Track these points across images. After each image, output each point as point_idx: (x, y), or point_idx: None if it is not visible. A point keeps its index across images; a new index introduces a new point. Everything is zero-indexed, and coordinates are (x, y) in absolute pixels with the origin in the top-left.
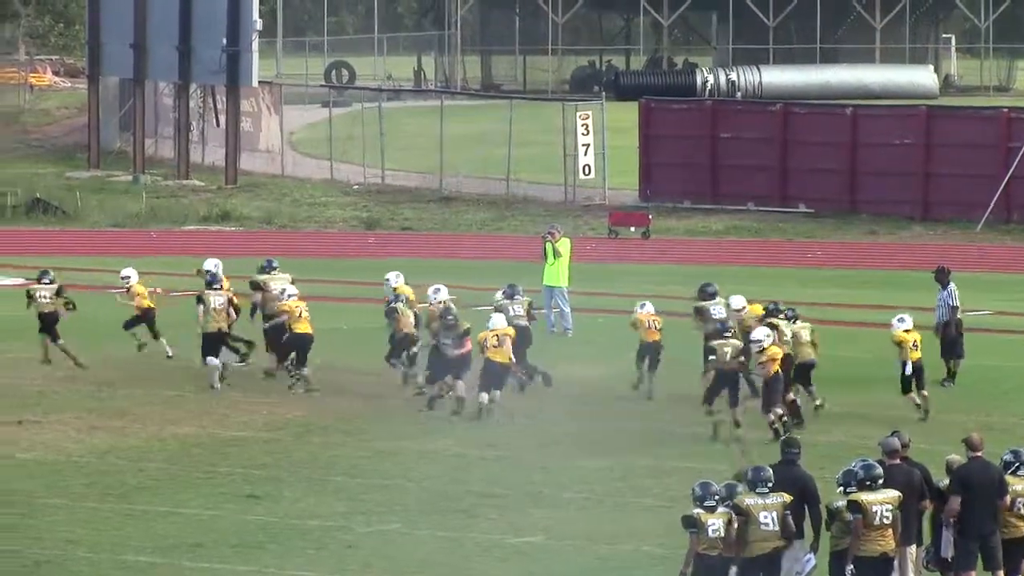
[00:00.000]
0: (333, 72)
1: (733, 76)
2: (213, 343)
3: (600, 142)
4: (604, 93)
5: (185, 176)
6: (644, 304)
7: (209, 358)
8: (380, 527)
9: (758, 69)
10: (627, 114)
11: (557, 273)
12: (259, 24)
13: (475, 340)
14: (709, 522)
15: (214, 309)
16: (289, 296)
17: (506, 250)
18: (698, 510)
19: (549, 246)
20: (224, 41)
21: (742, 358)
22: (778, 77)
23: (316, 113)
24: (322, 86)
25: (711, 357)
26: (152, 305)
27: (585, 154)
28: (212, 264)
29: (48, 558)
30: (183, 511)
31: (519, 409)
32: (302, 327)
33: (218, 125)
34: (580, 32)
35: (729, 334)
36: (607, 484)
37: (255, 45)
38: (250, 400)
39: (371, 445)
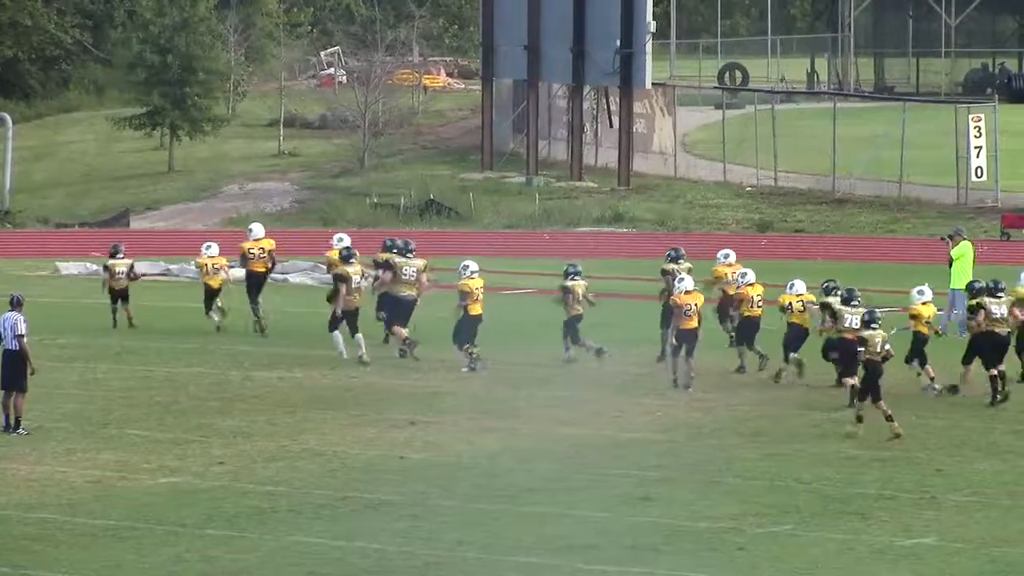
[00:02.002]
0: (727, 74)
1: None
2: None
3: (992, 144)
4: (997, 96)
5: (578, 178)
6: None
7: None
8: (771, 529)
9: None
10: (1020, 117)
11: (954, 275)
12: (653, 26)
13: None
14: None
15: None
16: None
17: (898, 252)
18: None
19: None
20: (618, 43)
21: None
22: None
23: (709, 115)
24: (715, 88)
25: None
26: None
27: (977, 156)
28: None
29: (439, 559)
30: (575, 513)
31: (914, 407)
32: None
33: (611, 127)
34: (973, 34)
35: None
36: (999, 487)
37: (649, 47)
38: (643, 402)
39: (764, 447)
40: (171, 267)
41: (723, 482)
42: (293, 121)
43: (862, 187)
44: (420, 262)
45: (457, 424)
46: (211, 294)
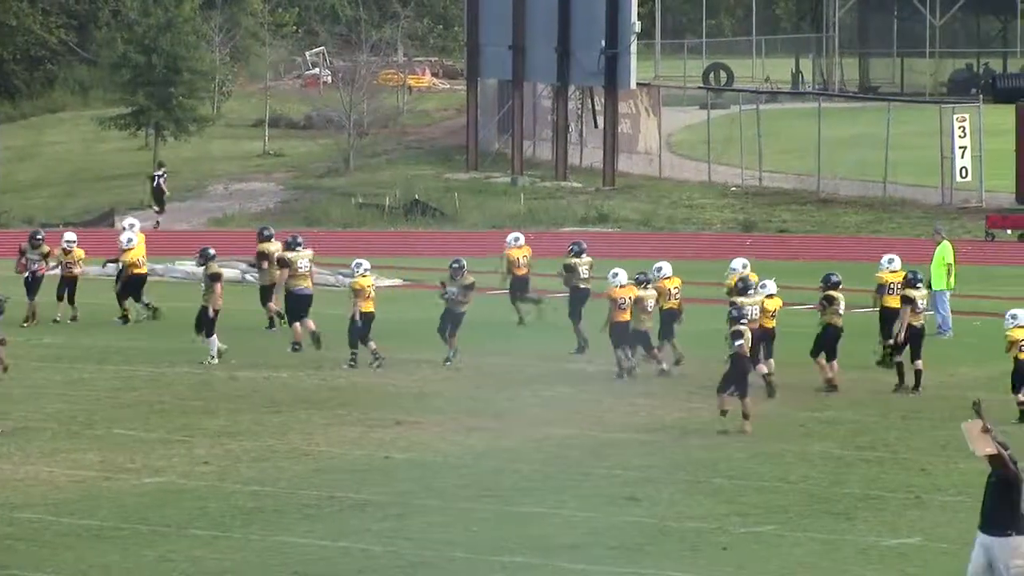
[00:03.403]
0: (711, 74)
1: None
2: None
3: (977, 144)
4: (981, 96)
5: (563, 178)
6: None
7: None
8: (756, 529)
9: None
10: (1004, 117)
11: (934, 276)
12: (637, 26)
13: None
14: None
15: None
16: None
17: (883, 252)
18: None
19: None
20: (603, 43)
21: None
22: None
23: (694, 115)
24: (700, 88)
25: None
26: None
27: (962, 157)
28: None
29: (424, 559)
30: (560, 512)
31: (908, 410)
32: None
33: (596, 127)
34: (958, 34)
35: None
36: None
37: (634, 47)
38: (627, 402)
39: (750, 447)
40: (156, 267)
41: (708, 482)
42: (278, 121)
43: (847, 187)
44: (310, 252)
45: (442, 424)
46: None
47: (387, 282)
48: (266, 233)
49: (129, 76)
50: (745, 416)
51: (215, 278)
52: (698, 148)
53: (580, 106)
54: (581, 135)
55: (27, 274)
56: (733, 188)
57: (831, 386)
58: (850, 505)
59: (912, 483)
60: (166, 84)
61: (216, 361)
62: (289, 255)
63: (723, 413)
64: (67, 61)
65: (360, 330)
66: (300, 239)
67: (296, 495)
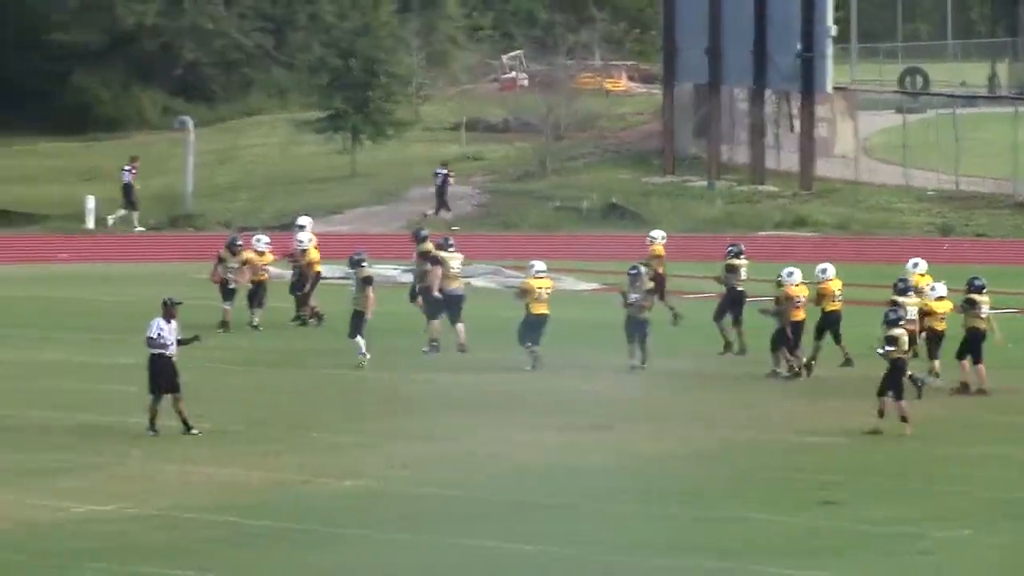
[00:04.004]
0: (907, 78)
1: None
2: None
3: None
4: None
5: (760, 182)
6: None
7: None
8: (952, 533)
9: None
10: None
11: None
12: (833, 30)
13: None
14: None
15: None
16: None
17: None
18: None
19: None
20: (799, 47)
21: None
22: None
23: (890, 119)
24: (896, 92)
25: None
26: None
27: None
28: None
29: (618, 562)
30: (756, 516)
31: None
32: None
33: (793, 131)
34: None
35: None
36: None
37: (830, 51)
38: (819, 406)
39: (945, 451)
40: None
41: (905, 486)
42: (475, 125)
43: None
44: (460, 256)
45: (635, 427)
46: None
47: (584, 286)
48: (422, 234)
49: (326, 80)
50: (903, 419)
51: (367, 282)
52: (894, 152)
53: (776, 110)
54: (777, 139)
55: (227, 282)
56: (930, 192)
57: (964, 389)
58: None
59: None
60: (363, 88)
61: (366, 359)
62: (442, 255)
63: (880, 415)
64: (264, 65)
65: (529, 330)
66: (452, 240)
67: (490, 498)
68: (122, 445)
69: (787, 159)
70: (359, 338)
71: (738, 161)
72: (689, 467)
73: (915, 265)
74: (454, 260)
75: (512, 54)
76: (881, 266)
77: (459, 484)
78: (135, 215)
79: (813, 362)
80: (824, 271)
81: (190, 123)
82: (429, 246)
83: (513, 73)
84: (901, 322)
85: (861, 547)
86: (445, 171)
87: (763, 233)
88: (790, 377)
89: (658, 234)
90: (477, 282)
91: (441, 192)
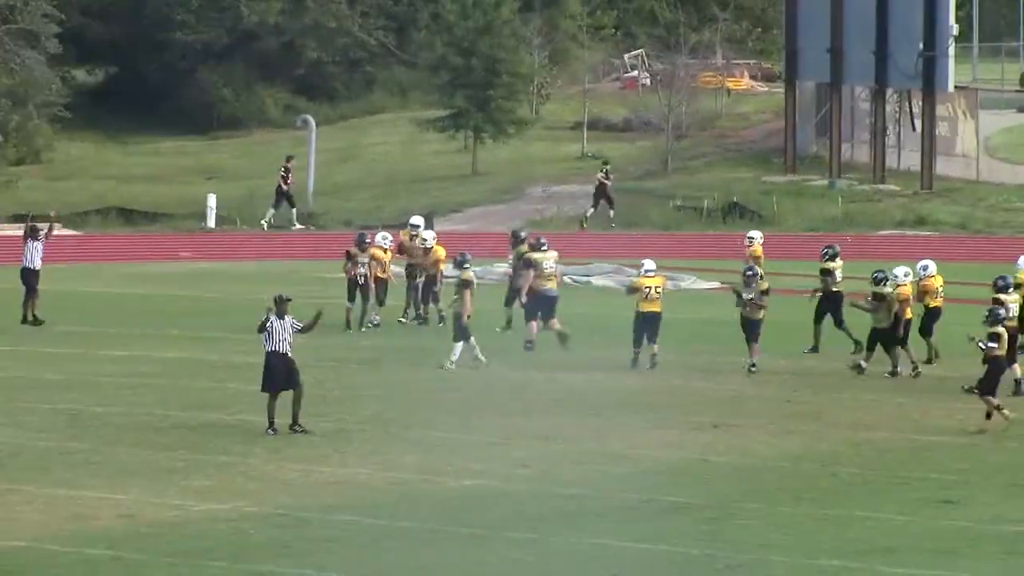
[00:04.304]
0: None
1: None
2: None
3: None
4: None
5: (881, 181)
6: None
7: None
8: None
9: None
10: None
11: None
12: (955, 29)
13: None
14: None
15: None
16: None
17: None
18: None
19: None
20: (920, 46)
21: None
22: None
23: (1011, 118)
24: (1018, 91)
25: None
26: None
27: None
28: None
29: (741, 562)
30: (877, 516)
31: None
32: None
33: (914, 130)
34: None
35: None
36: None
37: (951, 50)
38: (944, 405)
39: None
40: (475, 269)
41: None
42: (597, 123)
43: None
44: (554, 254)
45: (760, 427)
46: None
47: (705, 285)
48: (521, 235)
49: (448, 78)
50: (989, 415)
51: (466, 284)
52: (1016, 151)
53: (898, 109)
54: (899, 138)
55: (358, 277)
56: None
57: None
58: None
59: None
60: (485, 87)
61: (453, 367)
62: (536, 256)
63: (988, 416)
64: (386, 63)
65: (639, 329)
66: (545, 240)
67: (614, 498)
68: (245, 444)
69: (908, 158)
70: (461, 343)
71: (859, 160)
72: (813, 466)
73: None
74: (547, 260)
75: (634, 53)
76: (1001, 265)
77: (580, 483)
78: (293, 212)
79: (935, 360)
80: (925, 268)
81: (312, 122)
82: (524, 248)
83: (635, 72)
84: (1001, 320)
85: (984, 546)
86: (604, 173)
87: (883, 232)
88: (914, 375)
89: (756, 235)
90: (597, 281)
91: (602, 193)
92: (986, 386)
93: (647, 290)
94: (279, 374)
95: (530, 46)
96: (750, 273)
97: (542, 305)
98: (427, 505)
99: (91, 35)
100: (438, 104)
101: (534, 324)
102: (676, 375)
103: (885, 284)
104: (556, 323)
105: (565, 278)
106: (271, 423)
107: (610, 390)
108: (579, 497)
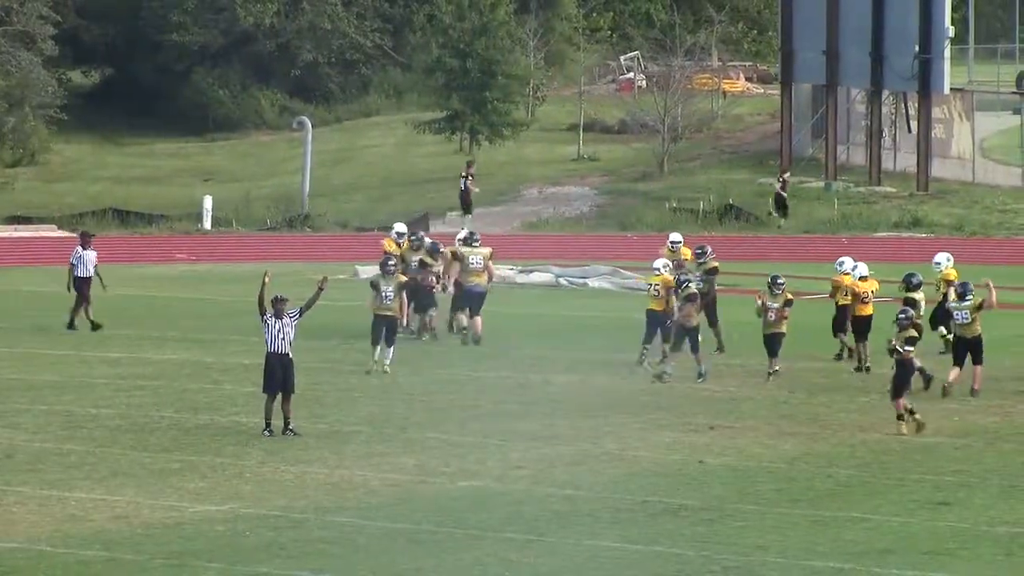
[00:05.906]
0: None
1: None
2: None
3: None
4: None
5: (876, 182)
6: None
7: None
8: None
9: None
10: None
11: None
12: (951, 31)
13: None
14: None
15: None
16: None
17: None
18: None
19: None
20: (916, 48)
21: None
22: None
23: (1007, 120)
24: (1014, 93)
25: None
26: None
27: None
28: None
29: (737, 564)
30: (873, 517)
31: None
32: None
33: (910, 132)
34: None
35: None
36: None
37: (947, 52)
38: (940, 407)
39: None
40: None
41: (1022, 487)
42: (593, 126)
43: None
44: (486, 251)
45: (756, 429)
46: None
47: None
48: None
49: (443, 80)
50: (900, 417)
51: (402, 287)
52: (1012, 153)
53: (894, 111)
54: (895, 140)
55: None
56: None
57: None
58: None
59: None
60: (480, 88)
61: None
62: (464, 250)
63: (901, 417)
64: (381, 65)
65: (647, 328)
66: (477, 236)
67: (610, 499)
68: (240, 446)
69: (904, 160)
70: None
71: (855, 162)
72: (810, 468)
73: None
74: (475, 255)
75: (630, 55)
76: (996, 267)
77: (576, 484)
78: (467, 218)
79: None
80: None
81: (308, 123)
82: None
83: (630, 74)
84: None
85: (980, 548)
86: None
87: (879, 234)
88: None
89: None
90: (594, 283)
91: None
92: (896, 390)
93: (648, 287)
94: (278, 375)
95: (526, 48)
96: (780, 282)
97: (470, 301)
98: (423, 506)
99: (87, 37)
100: (434, 106)
101: (461, 316)
102: (672, 376)
103: (919, 288)
104: (479, 324)
105: (561, 280)
106: (268, 424)
107: (606, 392)
108: (575, 498)
